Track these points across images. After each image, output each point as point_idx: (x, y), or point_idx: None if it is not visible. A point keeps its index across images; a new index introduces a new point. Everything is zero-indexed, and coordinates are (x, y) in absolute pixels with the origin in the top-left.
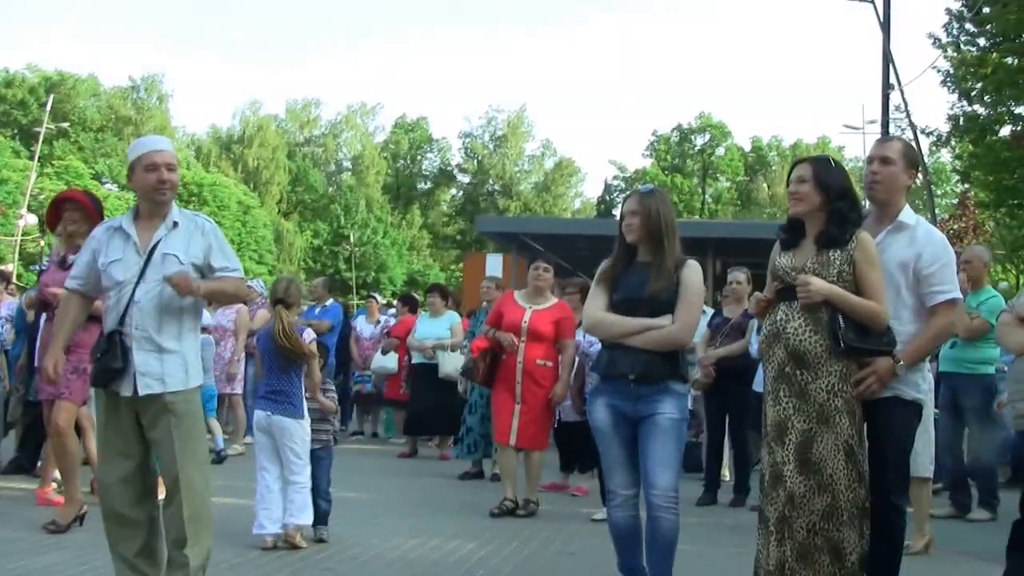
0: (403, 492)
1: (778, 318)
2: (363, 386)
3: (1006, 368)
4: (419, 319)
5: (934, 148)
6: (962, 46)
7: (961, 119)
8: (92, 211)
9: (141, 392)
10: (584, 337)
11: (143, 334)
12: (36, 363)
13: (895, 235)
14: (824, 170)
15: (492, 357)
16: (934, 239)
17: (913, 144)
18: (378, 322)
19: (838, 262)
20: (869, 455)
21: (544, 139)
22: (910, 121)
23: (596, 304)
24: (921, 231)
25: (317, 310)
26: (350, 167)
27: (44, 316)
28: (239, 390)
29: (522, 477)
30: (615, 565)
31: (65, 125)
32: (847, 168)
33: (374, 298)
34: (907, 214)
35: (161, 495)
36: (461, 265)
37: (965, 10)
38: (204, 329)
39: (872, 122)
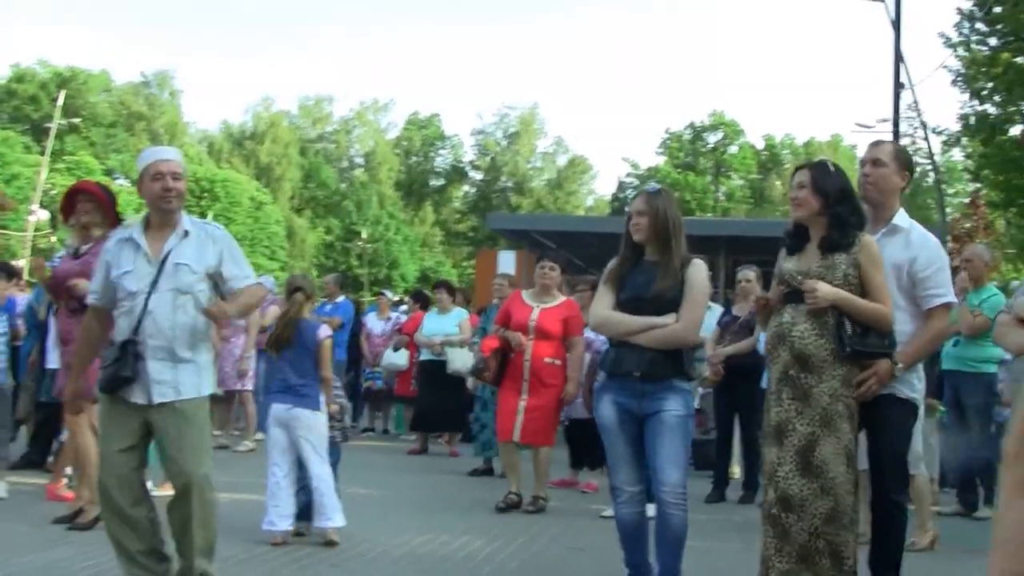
0: (412, 489)
1: (784, 320)
2: (373, 383)
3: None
4: (427, 316)
5: (945, 147)
6: (973, 45)
7: (972, 118)
8: (105, 202)
9: (156, 400)
10: (597, 335)
11: (157, 344)
12: (47, 362)
13: (890, 237)
14: (821, 175)
15: (502, 356)
16: (929, 243)
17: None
18: (389, 319)
19: (843, 265)
20: (868, 454)
21: (557, 136)
22: (921, 120)
23: (602, 303)
24: (916, 234)
25: (328, 307)
26: (362, 163)
27: (52, 309)
28: (250, 386)
29: (530, 474)
30: (622, 561)
31: (76, 121)
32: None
33: (385, 295)
34: (901, 217)
35: (160, 493)
36: (473, 262)
37: (976, 9)
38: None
39: (884, 121)
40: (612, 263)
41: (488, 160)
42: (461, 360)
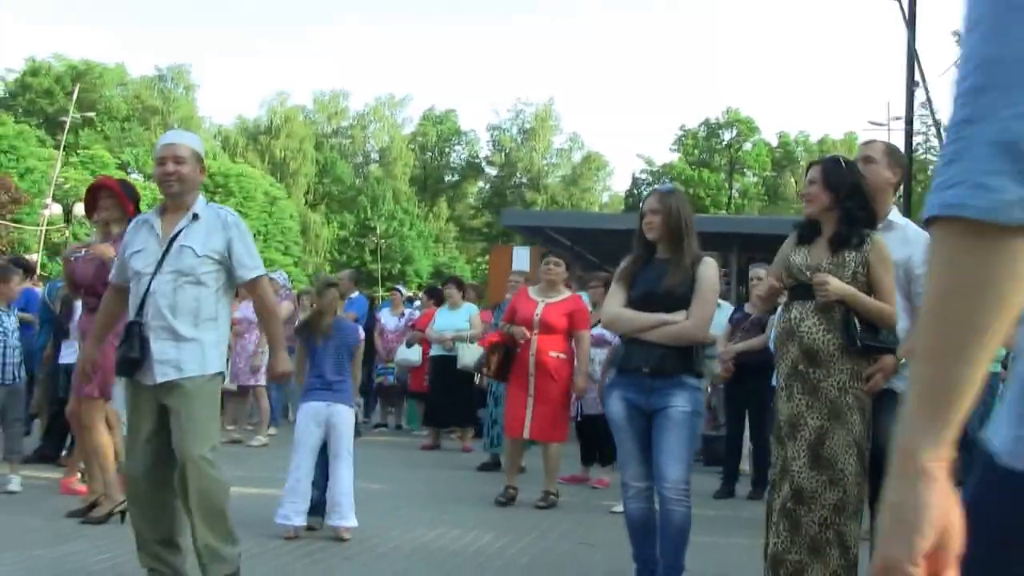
0: (424, 484)
1: (792, 316)
2: (385, 378)
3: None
4: (437, 312)
5: None
6: None
7: None
8: (123, 199)
9: (159, 379)
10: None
11: (160, 323)
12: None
13: (887, 234)
14: (832, 171)
15: (507, 352)
16: (924, 240)
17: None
18: (402, 315)
19: (853, 263)
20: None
21: (572, 133)
22: (934, 118)
23: (614, 301)
24: (912, 230)
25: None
26: (377, 159)
27: (80, 305)
28: (263, 381)
29: (536, 470)
30: (631, 557)
31: (91, 115)
32: None
33: (398, 291)
34: (895, 213)
35: None
36: (487, 258)
37: None
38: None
39: (897, 119)
40: (625, 261)
41: (503, 156)
42: (471, 356)
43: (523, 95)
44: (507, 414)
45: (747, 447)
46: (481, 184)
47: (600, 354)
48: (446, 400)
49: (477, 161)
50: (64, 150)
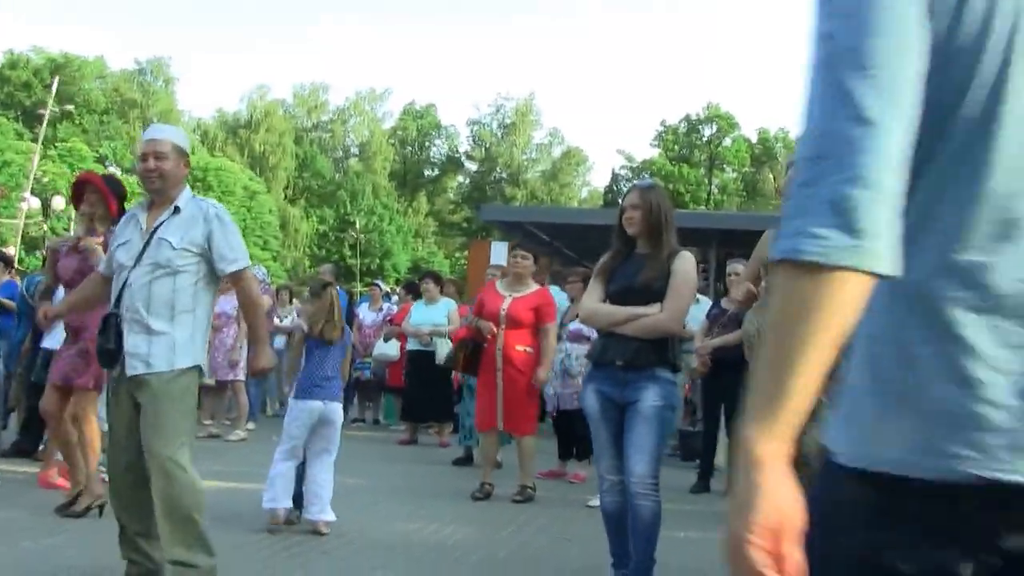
0: (402, 478)
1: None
2: (362, 373)
3: None
4: (414, 306)
5: None
6: None
7: None
8: (107, 196)
9: (128, 373)
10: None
11: (134, 316)
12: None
13: None
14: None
15: (475, 346)
16: None
17: None
18: (381, 309)
19: None
20: None
21: (552, 128)
22: None
23: (592, 296)
24: None
25: None
26: (357, 153)
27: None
28: (241, 376)
29: (512, 465)
30: (607, 551)
31: (70, 108)
32: None
33: (377, 285)
34: None
35: None
36: (466, 253)
37: None
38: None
39: None
40: (604, 257)
41: (483, 151)
42: (449, 350)
43: (504, 90)
44: (478, 408)
45: (723, 442)
46: (461, 179)
47: (579, 349)
48: (423, 395)
49: (457, 156)
50: (42, 143)
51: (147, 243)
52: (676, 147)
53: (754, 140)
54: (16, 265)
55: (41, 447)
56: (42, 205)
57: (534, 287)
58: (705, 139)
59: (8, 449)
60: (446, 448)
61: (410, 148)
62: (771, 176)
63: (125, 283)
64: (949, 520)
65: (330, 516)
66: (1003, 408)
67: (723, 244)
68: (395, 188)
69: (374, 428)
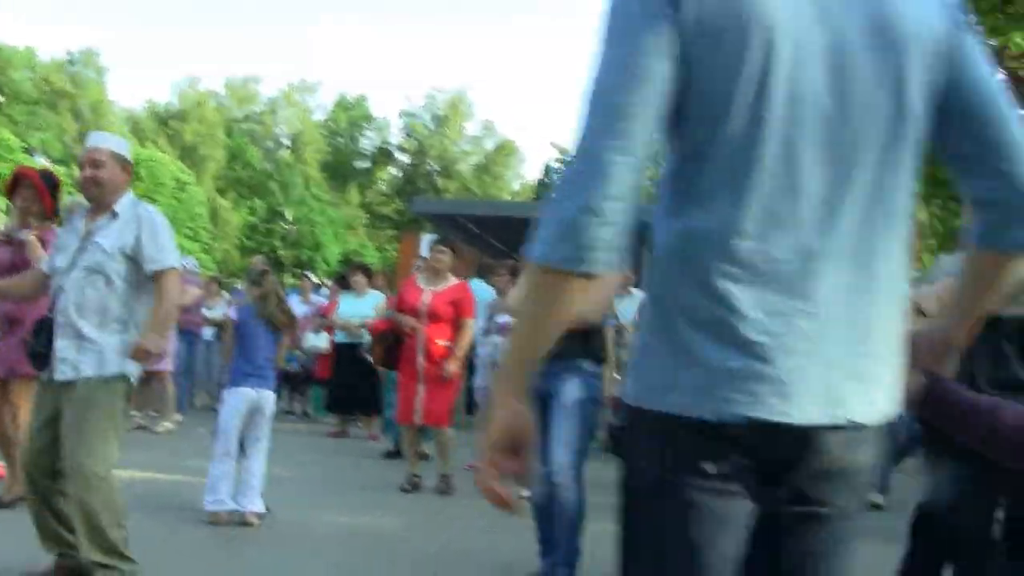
0: (331, 471)
1: None
2: (291, 365)
3: None
4: (343, 298)
5: None
6: None
7: None
8: (42, 192)
9: (56, 377)
10: None
11: (65, 320)
12: None
13: None
14: None
15: (395, 340)
16: None
17: None
18: (310, 302)
19: None
20: None
21: (485, 120)
22: None
23: (521, 289)
24: None
25: None
26: (288, 144)
27: None
28: (169, 367)
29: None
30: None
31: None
32: None
33: (307, 278)
34: None
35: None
36: (398, 245)
37: None
38: None
39: None
40: None
41: (415, 143)
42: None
43: (436, 82)
44: (399, 402)
45: None
46: (392, 171)
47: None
48: (350, 387)
49: (389, 148)
50: None
51: (82, 248)
52: None
53: None
54: None
55: None
56: None
57: (453, 281)
58: None
59: None
60: (375, 441)
61: (341, 140)
62: None
63: (60, 287)
64: (731, 452)
65: (260, 507)
66: (770, 363)
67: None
68: (326, 180)
69: (303, 421)
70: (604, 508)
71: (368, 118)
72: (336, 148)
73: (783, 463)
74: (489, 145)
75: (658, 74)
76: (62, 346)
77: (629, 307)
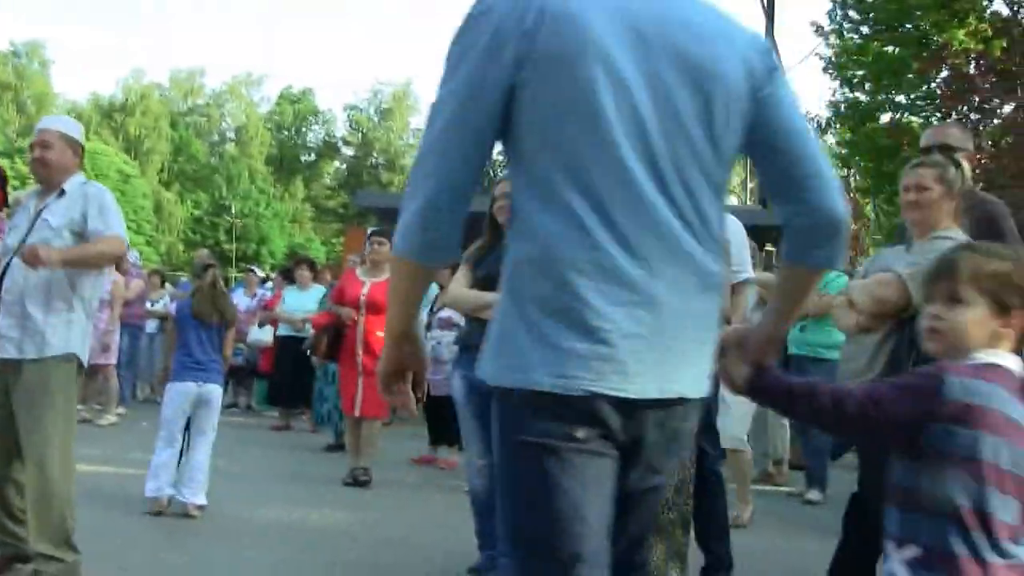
0: (273, 463)
1: None
2: (235, 359)
3: None
4: (287, 292)
5: (821, 132)
6: (845, 33)
7: (842, 106)
8: None
9: (0, 355)
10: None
11: (11, 298)
12: None
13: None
14: None
15: (336, 332)
16: (728, 222)
17: None
18: (255, 295)
19: None
20: None
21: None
22: None
23: (459, 282)
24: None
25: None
26: (233, 137)
27: None
28: (113, 361)
29: (383, 450)
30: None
31: None
32: None
33: (252, 271)
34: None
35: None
36: (343, 239)
37: None
38: None
39: None
40: (474, 245)
41: (360, 136)
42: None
43: (381, 76)
44: (341, 394)
45: None
46: (337, 164)
47: (448, 336)
48: (292, 380)
49: (334, 141)
50: None
51: (31, 228)
52: None
53: None
54: None
55: None
56: None
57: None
58: None
59: None
60: (316, 434)
61: (286, 133)
62: None
63: (7, 266)
64: (582, 420)
65: (201, 500)
66: (612, 347)
67: None
68: (271, 173)
69: (247, 414)
70: None
71: (314, 111)
72: (281, 141)
73: (629, 431)
74: None
75: (491, 102)
76: (6, 325)
77: None
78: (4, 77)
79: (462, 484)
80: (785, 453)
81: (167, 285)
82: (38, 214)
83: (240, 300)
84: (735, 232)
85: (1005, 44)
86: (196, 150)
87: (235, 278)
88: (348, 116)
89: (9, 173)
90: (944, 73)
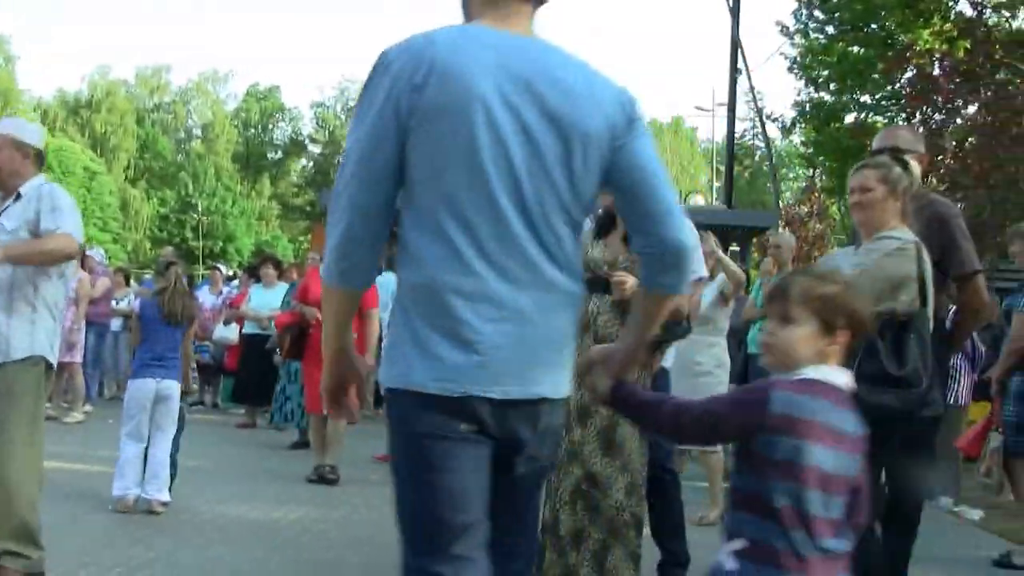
0: (240, 461)
1: (589, 309)
2: (201, 356)
3: None
4: (252, 289)
5: (786, 132)
6: (810, 33)
7: (807, 106)
8: None
9: None
10: None
11: None
12: None
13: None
14: None
15: (301, 331)
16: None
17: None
18: (221, 293)
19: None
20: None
21: None
22: (757, 107)
23: None
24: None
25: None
26: (200, 135)
27: None
28: (78, 359)
29: (348, 447)
30: None
31: None
32: (700, 148)
33: (218, 269)
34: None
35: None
36: (310, 237)
37: None
38: None
39: (721, 104)
40: None
41: (327, 134)
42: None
43: (348, 73)
44: (307, 393)
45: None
46: (304, 162)
47: None
48: (257, 378)
49: (301, 139)
50: None
51: None
52: None
53: None
54: None
55: None
56: None
57: None
58: None
59: None
60: (282, 432)
61: (253, 130)
62: None
63: None
64: (460, 418)
65: (165, 497)
66: (483, 355)
67: None
68: (238, 171)
69: (213, 411)
70: None
71: (280, 109)
72: (248, 139)
73: (502, 425)
74: None
75: (391, 144)
76: None
77: None
78: None
79: None
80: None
81: (132, 283)
82: None
83: (205, 298)
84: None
85: (969, 45)
86: (162, 147)
87: (202, 275)
88: (315, 114)
89: None
90: (909, 74)
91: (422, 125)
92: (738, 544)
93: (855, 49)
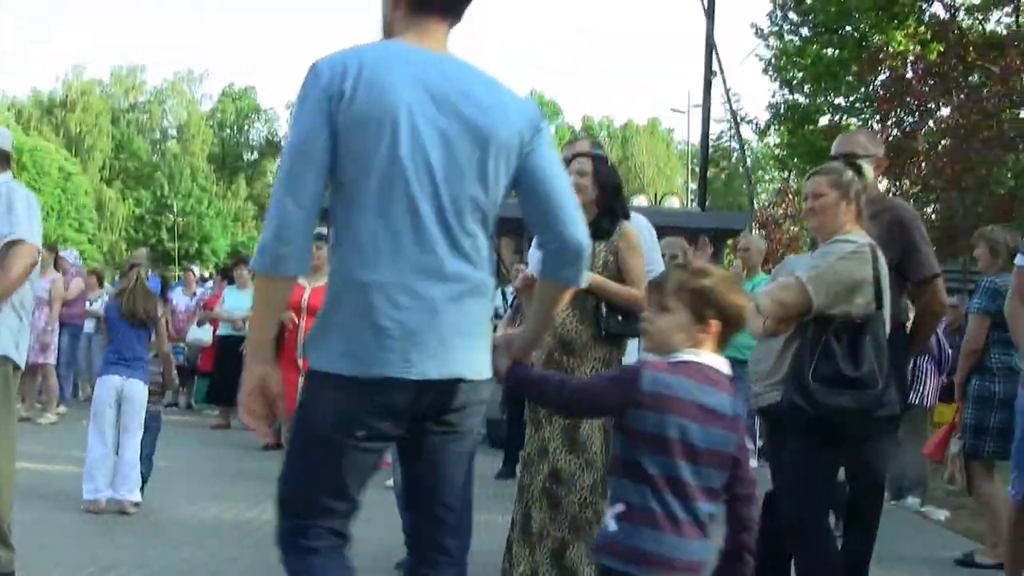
0: (213, 461)
1: None
2: (175, 357)
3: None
4: (227, 291)
5: (762, 134)
6: (785, 35)
7: (782, 107)
8: None
9: None
10: None
11: None
12: None
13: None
14: (603, 167)
15: (275, 334)
16: (640, 223)
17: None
18: (194, 294)
19: (603, 253)
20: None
21: None
22: (731, 108)
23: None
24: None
25: None
26: (175, 135)
27: None
28: (52, 360)
29: None
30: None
31: None
32: (676, 150)
33: (191, 270)
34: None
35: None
36: None
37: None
38: None
39: (697, 106)
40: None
41: None
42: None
43: None
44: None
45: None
46: (280, 162)
47: None
48: (232, 379)
49: (276, 139)
50: None
51: None
52: None
53: (578, 127)
54: None
55: None
56: None
57: None
58: None
59: None
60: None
61: (229, 131)
62: None
63: None
64: (384, 397)
65: (136, 497)
66: (397, 339)
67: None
68: (214, 171)
69: (187, 412)
70: (484, 499)
71: (256, 109)
72: (223, 139)
73: (421, 403)
74: None
75: (322, 145)
76: None
77: (497, 300)
78: None
79: (388, 480)
80: None
81: (105, 284)
82: None
83: (179, 299)
84: (646, 237)
85: (942, 48)
86: (138, 147)
87: (177, 276)
88: (290, 114)
89: None
90: (882, 76)
91: (349, 131)
92: (619, 508)
93: (829, 51)
